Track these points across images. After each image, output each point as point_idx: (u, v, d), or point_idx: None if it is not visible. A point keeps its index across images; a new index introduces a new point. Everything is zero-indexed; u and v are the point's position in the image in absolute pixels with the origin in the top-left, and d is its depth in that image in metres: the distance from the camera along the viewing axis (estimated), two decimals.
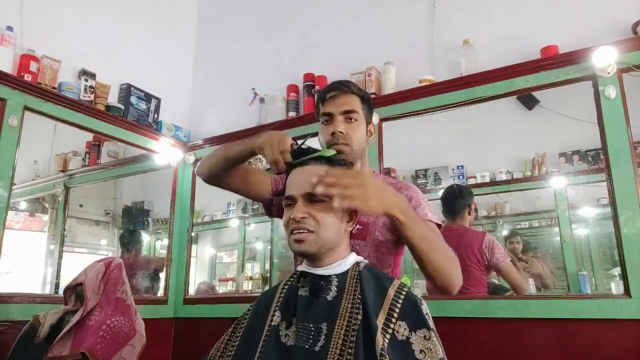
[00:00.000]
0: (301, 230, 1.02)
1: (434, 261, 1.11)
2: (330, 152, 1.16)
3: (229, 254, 3.73)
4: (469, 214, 2.45)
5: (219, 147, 1.40)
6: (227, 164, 1.33)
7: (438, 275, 1.13)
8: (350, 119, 1.33)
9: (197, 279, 3.25)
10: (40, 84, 2.19)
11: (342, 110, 1.32)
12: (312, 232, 1.02)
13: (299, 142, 1.16)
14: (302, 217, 1.02)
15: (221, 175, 1.36)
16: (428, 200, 1.37)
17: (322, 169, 1.06)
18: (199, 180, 2.91)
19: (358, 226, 1.27)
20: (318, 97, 1.41)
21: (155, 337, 2.05)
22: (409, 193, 1.32)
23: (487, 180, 2.68)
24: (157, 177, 3.04)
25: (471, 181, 2.72)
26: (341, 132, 1.30)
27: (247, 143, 1.25)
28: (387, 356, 0.87)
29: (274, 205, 1.42)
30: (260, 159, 3.20)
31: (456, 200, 2.46)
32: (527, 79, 1.96)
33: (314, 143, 1.22)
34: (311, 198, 1.03)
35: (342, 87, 1.35)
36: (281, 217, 1.34)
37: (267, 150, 1.15)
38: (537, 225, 2.79)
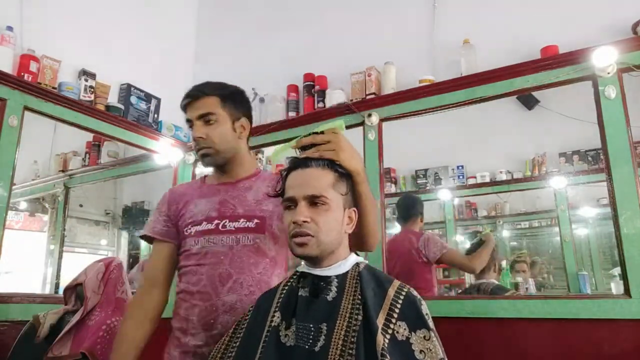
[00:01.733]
0: (303, 235, 1.02)
1: (373, 222, 1.18)
2: (339, 123, 1.18)
3: None
4: (421, 221, 2.61)
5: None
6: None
7: (372, 234, 1.19)
8: (208, 121, 1.35)
9: None
10: (40, 84, 2.18)
11: (197, 114, 1.36)
12: (313, 236, 1.02)
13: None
14: (304, 221, 1.02)
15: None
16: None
17: (321, 171, 1.07)
18: None
19: (256, 220, 1.31)
20: (180, 106, 1.43)
21: (155, 337, 2.04)
22: None
23: (487, 180, 2.69)
24: (157, 177, 3.04)
25: (471, 181, 2.73)
26: (201, 137, 1.34)
27: None
28: (387, 356, 0.88)
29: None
30: (260, 158, 3.21)
31: (409, 209, 2.62)
32: (527, 79, 1.95)
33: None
34: (313, 201, 1.04)
35: (196, 92, 1.37)
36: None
37: None
38: (537, 225, 2.80)
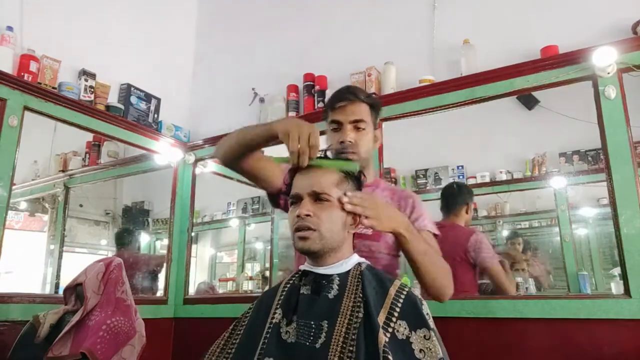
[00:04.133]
0: (305, 228, 1.04)
1: (431, 273, 1.20)
2: (354, 167, 1.14)
3: (229, 254, 3.73)
4: (467, 212, 2.41)
5: (236, 131, 1.33)
6: (242, 148, 1.29)
7: (433, 286, 1.21)
8: (359, 128, 1.36)
9: (197, 279, 3.26)
10: (40, 84, 2.18)
11: (351, 119, 1.35)
12: (315, 230, 1.04)
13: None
14: (307, 214, 1.04)
15: (236, 160, 1.32)
16: (426, 199, 1.39)
17: (326, 170, 1.10)
18: (199, 180, 2.94)
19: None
20: (327, 104, 1.43)
21: (155, 337, 2.05)
22: (410, 202, 1.37)
23: (487, 180, 2.68)
24: (157, 177, 3.05)
25: (471, 181, 2.72)
26: (350, 142, 1.33)
27: (266, 127, 1.20)
28: (390, 353, 0.88)
29: (281, 199, 1.40)
30: None
31: (454, 198, 2.42)
32: (527, 79, 1.96)
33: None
34: (317, 197, 1.06)
35: (352, 96, 1.37)
36: (286, 211, 1.37)
37: (293, 138, 1.09)
38: (537, 225, 2.80)
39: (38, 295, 2.18)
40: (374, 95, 1.46)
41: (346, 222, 1.09)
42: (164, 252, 2.92)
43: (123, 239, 3.17)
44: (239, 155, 1.30)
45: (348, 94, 1.38)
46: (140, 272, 2.95)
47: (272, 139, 1.18)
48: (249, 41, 3.02)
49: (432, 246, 1.28)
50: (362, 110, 1.37)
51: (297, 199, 1.09)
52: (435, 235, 1.36)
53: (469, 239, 2.27)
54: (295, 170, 1.13)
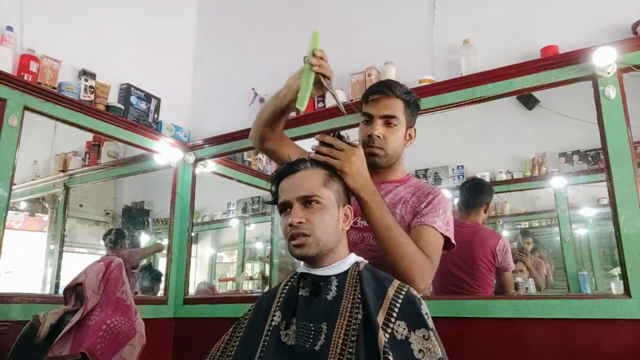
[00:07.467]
0: (299, 236, 1.03)
1: (393, 253, 1.12)
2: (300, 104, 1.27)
3: (229, 254, 3.74)
4: (485, 211, 2.40)
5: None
6: (274, 112, 1.36)
7: (396, 268, 1.12)
8: (390, 123, 1.33)
9: (197, 279, 3.26)
10: (40, 84, 2.18)
11: (382, 114, 1.34)
12: (310, 235, 1.03)
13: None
14: (299, 222, 1.03)
15: (268, 128, 1.39)
16: None
17: (311, 172, 1.09)
18: (199, 180, 2.94)
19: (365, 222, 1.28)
20: (363, 95, 1.42)
21: (155, 337, 2.04)
22: (430, 198, 1.30)
23: (487, 180, 2.68)
24: (157, 177, 3.05)
25: None
26: (378, 136, 1.32)
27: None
28: (390, 353, 0.88)
29: None
30: (260, 158, 3.20)
31: (475, 196, 2.39)
32: (527, 79, 1.95)
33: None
34: (306, 201, 1.05)
35: (387, 90, 1.36)
36: None
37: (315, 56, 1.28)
38: (537, 225, 2.80)
39: (38, 295, 2.18)
40: (412, 92, 1.42)
41: (339, 221, 1.09)
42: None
43: (114, 241, 3.16)
44: (271, 121, 1.37)
45: (383, 87, 1.38)
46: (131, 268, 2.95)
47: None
48: (249, 41, 3.01)
49: (425, 240, 1.19)
50: (395, 106, 1.35)
51: (287, 206, 1.07)
52: (446, 238, 1.25)
53: (497, 243, 2.29)
54: (279, 178, 1.13)
